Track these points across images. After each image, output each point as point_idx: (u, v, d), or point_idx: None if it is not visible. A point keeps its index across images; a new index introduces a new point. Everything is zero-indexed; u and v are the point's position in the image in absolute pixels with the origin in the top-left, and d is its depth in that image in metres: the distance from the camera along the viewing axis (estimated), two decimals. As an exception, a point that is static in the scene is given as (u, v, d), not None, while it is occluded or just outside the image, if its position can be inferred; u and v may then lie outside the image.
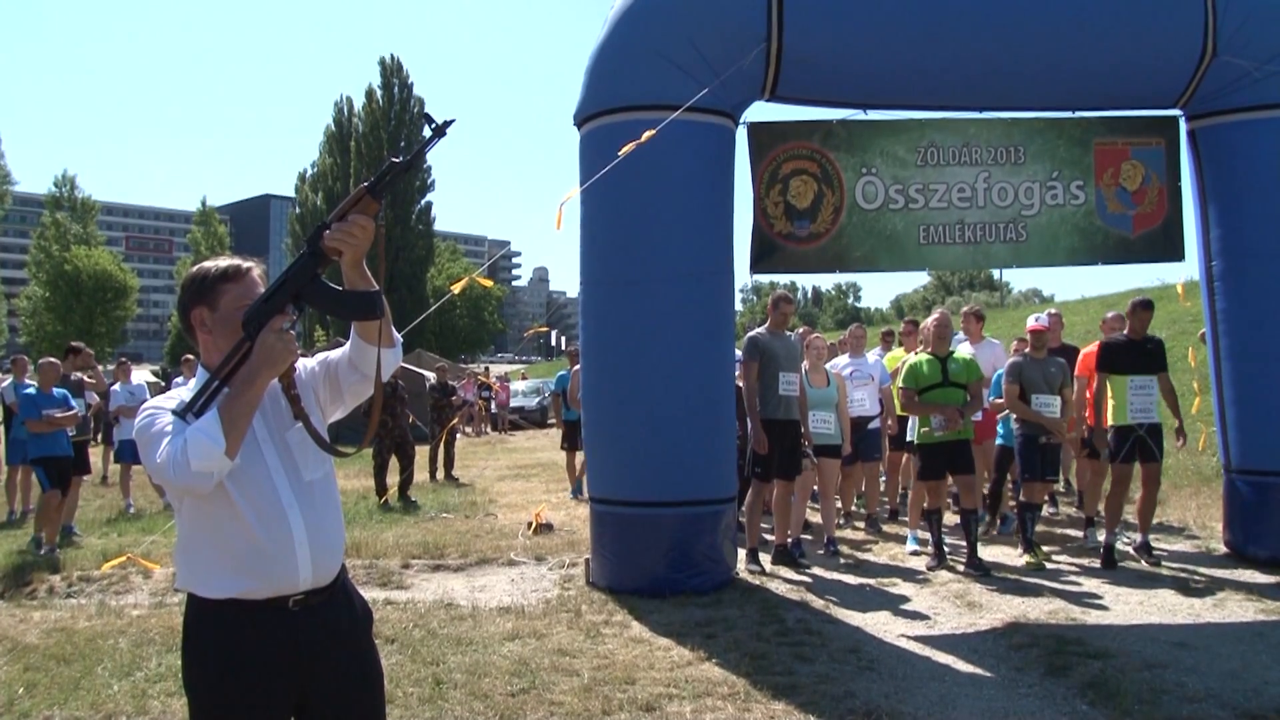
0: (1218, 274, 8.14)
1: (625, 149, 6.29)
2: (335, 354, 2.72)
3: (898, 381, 8.92)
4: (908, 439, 9.36)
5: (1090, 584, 7.47)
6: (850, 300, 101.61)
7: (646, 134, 6.35)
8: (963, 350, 9.05)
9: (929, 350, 8.38)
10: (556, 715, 4.89)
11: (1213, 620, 6.43)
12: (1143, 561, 8.00)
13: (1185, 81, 7.89)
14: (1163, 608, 6.74)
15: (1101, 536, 8.25)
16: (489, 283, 8.97)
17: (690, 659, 5.68)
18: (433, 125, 2.46)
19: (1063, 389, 8.45)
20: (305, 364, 2.73)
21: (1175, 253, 8.65)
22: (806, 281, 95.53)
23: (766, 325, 8.44)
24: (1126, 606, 6.79)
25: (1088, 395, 8.60)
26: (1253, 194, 7.90)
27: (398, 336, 2.69)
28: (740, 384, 8.53)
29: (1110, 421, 8.15)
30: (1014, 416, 8.71)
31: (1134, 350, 8.16)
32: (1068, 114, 8.41)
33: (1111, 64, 7.73)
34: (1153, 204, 8.55)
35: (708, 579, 7.22)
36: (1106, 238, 8.53)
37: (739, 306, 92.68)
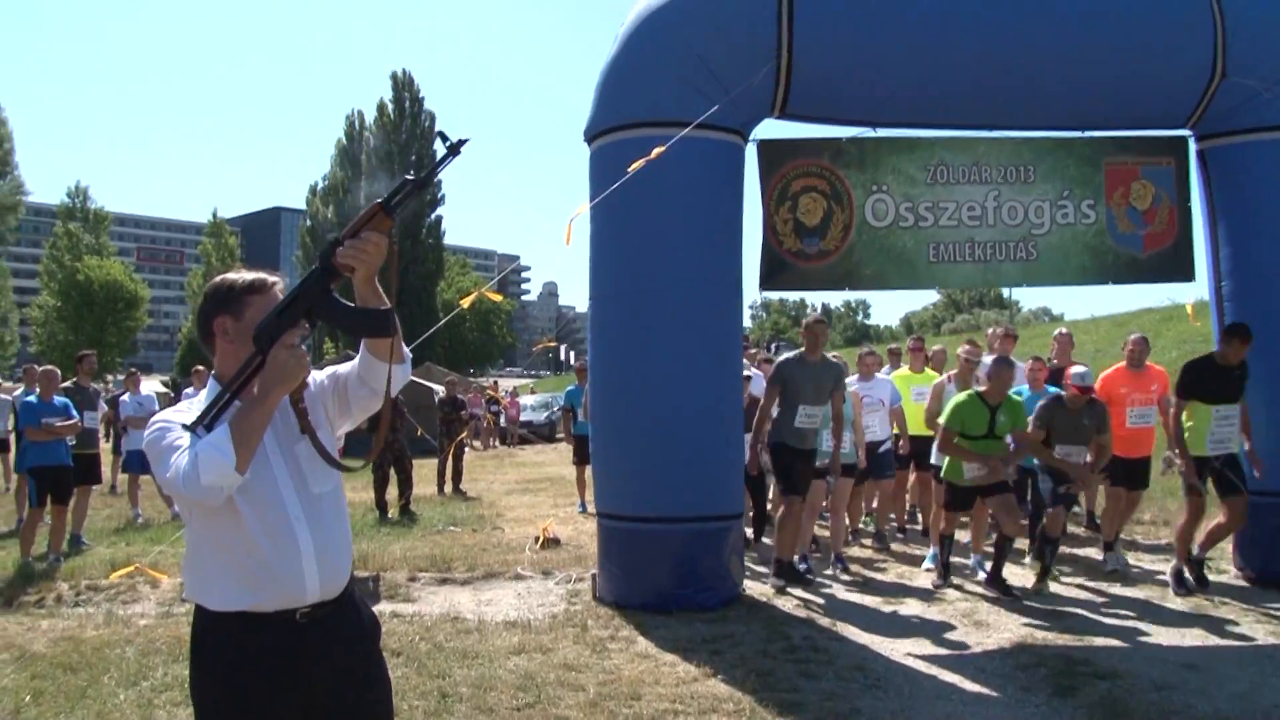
0: (1227, 294, 8.12)
1: (635, 165, 6.33)
2: (344, 368, 2.73)
3: (941, 419, 8.06)
4: (933, 462, 8.97)
5: (1099, 604, 7.43)
6: (860, 318, 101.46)
7: (656, 150, 6.38)
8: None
9: (982, 393, 7.76)
10: (562, 730, 4.89)
11: (1222, 642, 6.39)
12: (1189, 585, 7.67)
13: (1195, 102, 7.88)
14: (1172, 629, 6.70)
15: (1105, 559, 8.31)
16: (498, 296, 8.98)
17: (696, 675, 5.67)
18: (447, 144, 2.47)
19: (1099, 433, 7.84)
20: (315, 377, 2.73)
21: (1185, 272, 8.63)
22: (816, 299, 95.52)
23: (801, 350, 8.20)
24: (1135, 627, 6.75)
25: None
26: (1262, 214, 7.89)
27: (407, 352, 2.70)
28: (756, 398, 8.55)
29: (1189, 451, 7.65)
30: None
31: (1222, 377, 7.62)
32: (1078, 133, 8.41)
33: (1121, 84, 7.73)
34: (1163, 223, 8.54)
35: (714, 595, 7.21)
36: (1117, 257, 8.52)
37: (748, 323, 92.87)
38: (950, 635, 6.70)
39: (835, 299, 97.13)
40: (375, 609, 6.87)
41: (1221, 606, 7.23)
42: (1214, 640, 6.43)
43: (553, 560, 9.14)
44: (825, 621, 7.00)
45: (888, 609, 7.41)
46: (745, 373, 8.82)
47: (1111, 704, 5.17)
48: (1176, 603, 7.37)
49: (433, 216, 68.73)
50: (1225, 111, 7.92)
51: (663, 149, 6.42)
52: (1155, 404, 8.76)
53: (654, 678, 5.63)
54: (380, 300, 2.52)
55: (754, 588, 7.82)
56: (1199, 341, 17.87)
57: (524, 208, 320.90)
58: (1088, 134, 8.42)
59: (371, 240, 2.42)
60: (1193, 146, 8.44)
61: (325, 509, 2.66)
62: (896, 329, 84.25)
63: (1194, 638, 6.52)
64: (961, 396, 7.89)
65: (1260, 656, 5.91)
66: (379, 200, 2.46)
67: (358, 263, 2.43)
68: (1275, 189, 7.84)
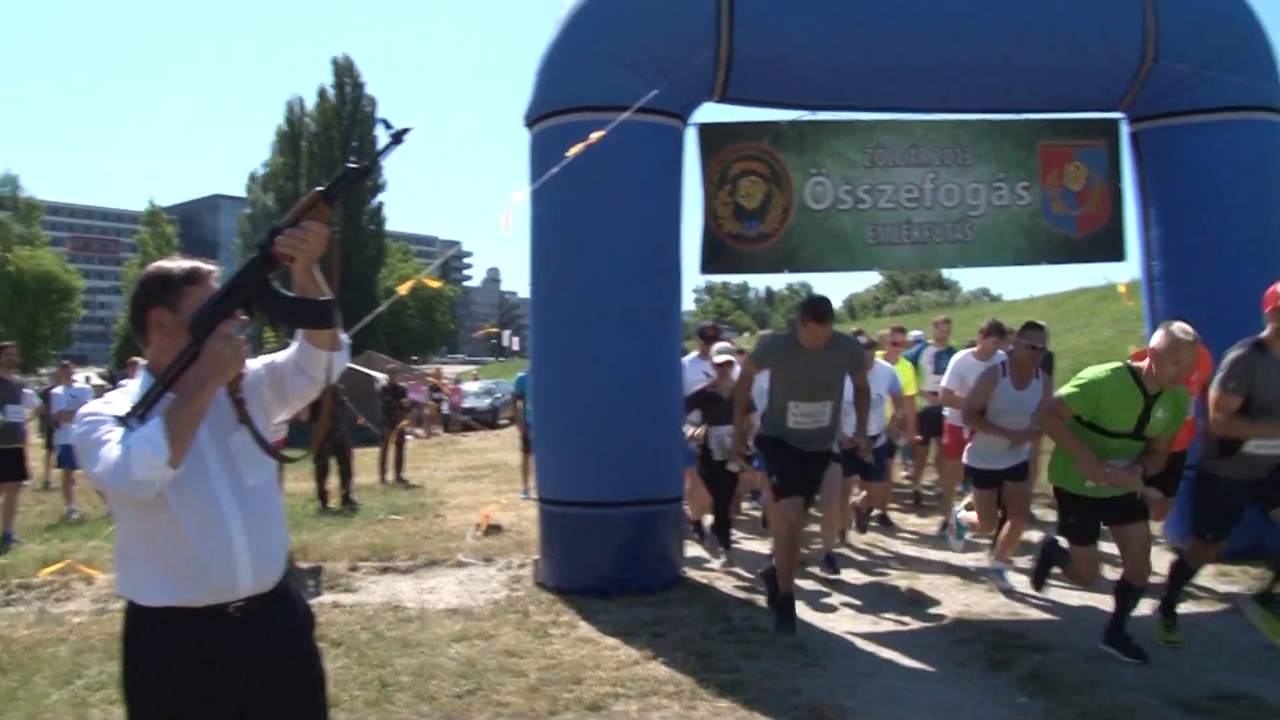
0: (1158, 274, 8.26)
1: (574, 150, 6.31)
2: (281, 357, 2.69)
3: (1064, 391, 5.61)
4: (966, 463, 7.48)
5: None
6: (801, 299, 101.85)
7: (594, 135, 6.37)
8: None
9: (1150, 377, 5.38)
10: (503, 716, 4.89)
11: (1150, 613, 6.54)
12: None
13: (1126, 85, 8.00)
14: (1104, 602, 6.80)
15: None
16: (437, 283, 8.93)
17: (637, 658, 5.69)
18: (390, 132, 2.44)
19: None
20: (251, 366, 2.69)
21: (1117, 253, 8.77)
22: (759, 281, 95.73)
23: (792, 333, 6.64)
24: (1068, 601, 6.88)
25: None
26: (1191, 196, 8.03)
27: (345, 340, 2.66)
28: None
29: None
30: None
31: None
32: (1012, 116, 8.49)
33: (1053, 68, 7.82)
34: (1096, 205, 8.66)
35: (655, 578, 7.24)
36: (1051, 238, 8.63)
37: (691, 306, 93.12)
38: (888, 613, 6.78)
39: (778, 281, 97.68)
40: (316, 600, 6.83)
41: (1153, 580, 7.34)
42: (1143, 611, 6.57)
43: (495, 547, 9.10)
44: (766, 602, 7.03)
45: (828, 589, 7.48)
46: (724, 359, 8.37)
47: (1044, 675, 5.29)
48: (1110, 578, 7.47)
49: (374, 203, 68.10)
50: (1157, 95, 8.04)
51: (601, 134, 6.41)
52: None
53: (595, 662, 5.64)
54: (320, 290, 2.49)
55: (696, 572, 7.87)
56: (1133, 320, 18.23)
57: (467, 193, 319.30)
58: (1022, 117, 8.50)
59: (311, 229, 2.40)
60: (1125, 129, 8.56)
61: (259, 501, 2.62)
62: (839, 311, 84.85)
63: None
64: (1104, 370, 5.49)
65: (1186, 626, 6.02)
66: (319, 188, 2.44)
67: (297, 252, 2.40)
68: (1204, 171, 7.97)
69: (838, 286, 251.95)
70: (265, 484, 2.66)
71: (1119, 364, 5.58)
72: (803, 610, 6.75)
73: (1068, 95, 8.23)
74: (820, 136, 8.29)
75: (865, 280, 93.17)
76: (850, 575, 7.85)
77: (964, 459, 7.48)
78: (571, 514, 7.33)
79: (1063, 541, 6.06)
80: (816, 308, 6.45)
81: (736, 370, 7.99)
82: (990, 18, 7.64)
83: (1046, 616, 6.55)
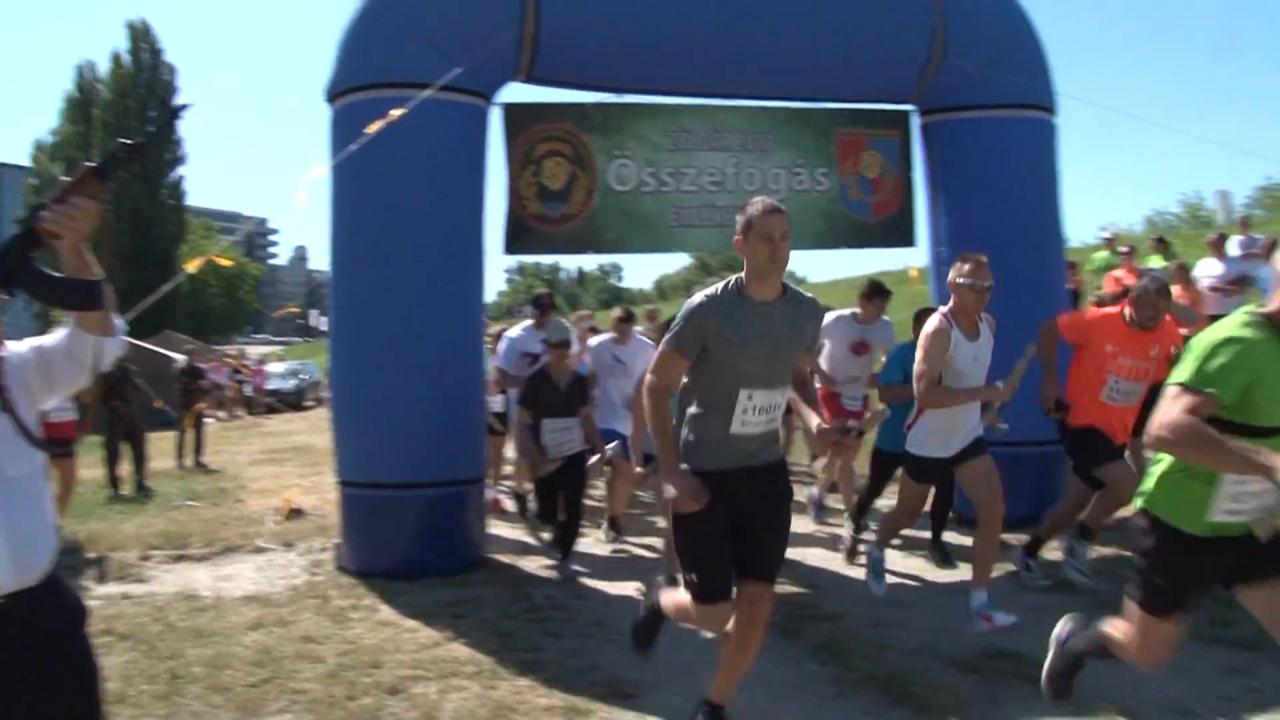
0: (945, 260, 8.64)
1: (373, 127, 6.20)
2: (51, 340, 2.56)
3: (1183, 376, 3.33)
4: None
5: (825, 552, 7.87)
6: (613, 280, 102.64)
7: (395, 112, 6.27)
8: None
9: None
10: (299, 704, 4.80)
11: (931, 579, 6.98)
12: None
13: (916, 79, 8.36)
14: (889, 575, 7.13)
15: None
16: (227, 260, 8.64)
17: (438, 640, 5.68)
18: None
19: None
20: (16, 350, 2.54)
21: (908, 239, 9.17)
22: (571, 262, 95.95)
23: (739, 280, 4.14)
24: (859, 573, 7.08)
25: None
26: (975, 187, 8.45)
27: (120, 324, 2.55)
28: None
29: None
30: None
31: None
32: (810, 105, 8.77)
33: (848, 60, 8.14)
34: (890, 192, 9.03)
35: (458, 559, 7.22)
36: (849, 223, 8.96)
37: (504, 286, 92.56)
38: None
39: (590, 262, 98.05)
40: (103, 590, 6.54)
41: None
42: (927, 578, 7.00)
43: (296, 531, 8.89)
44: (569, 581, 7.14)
45: (631, 564, 7.63)
46: (561, 338, 7.51)
47: (833, 642, 5.53)
48: (896, 550, 7.83)
49: (173, 176, 65.07)
50: (944, 90, 8.44)
51: (401, 111, 6.31)
52: None
53: (395, 645, 5.60)
54: (89, 270, 2.38)
55: (500, 553, 7.89)
56: (924, 303, 19.08)
57: (273, 168, 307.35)
58: (820, 105, 8.78)
59: (80, 206, 2.30)
60: (916, 121, 8.95)
61: (20, 493, 2.48)
62: (649, 292, 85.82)
63: (909, 580, 7.03)
64: (1240, 326, 3.31)
65: (959, 590, 6.31)
66: (91, 164, 2.34)
67: (64, 230, 2.30)
68: (986, 164, 8.41)
69: (648, 268, 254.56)
70: (29, 475, 2.51)
71: (1246, 312, 3.40)
72: (606, 587, 6.87)
73: (862, 87, 8.56)
74: (624, 119, 8.36)
75: (676, 261, 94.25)
76: (653, 551, 7.97)
77: (906, 446, 6.07)
78: (372, 496, 7.23)
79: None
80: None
81: (576, 350, 7.96)
82: (786, 7, 7.87)
83: (838, 587, 6.83)
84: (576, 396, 7.35)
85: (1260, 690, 4.69)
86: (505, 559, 7.71)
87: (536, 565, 7.58)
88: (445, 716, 4.65)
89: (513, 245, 8.11)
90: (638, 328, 9.38)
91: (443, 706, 4.76)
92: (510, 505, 9.66)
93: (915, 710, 4.60)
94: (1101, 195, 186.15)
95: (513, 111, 8.06)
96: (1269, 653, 4.52)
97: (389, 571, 7.00)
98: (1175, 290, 8.81)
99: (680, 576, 4.32)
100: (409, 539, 7.11)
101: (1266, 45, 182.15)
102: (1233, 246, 14.07)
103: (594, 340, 9.08)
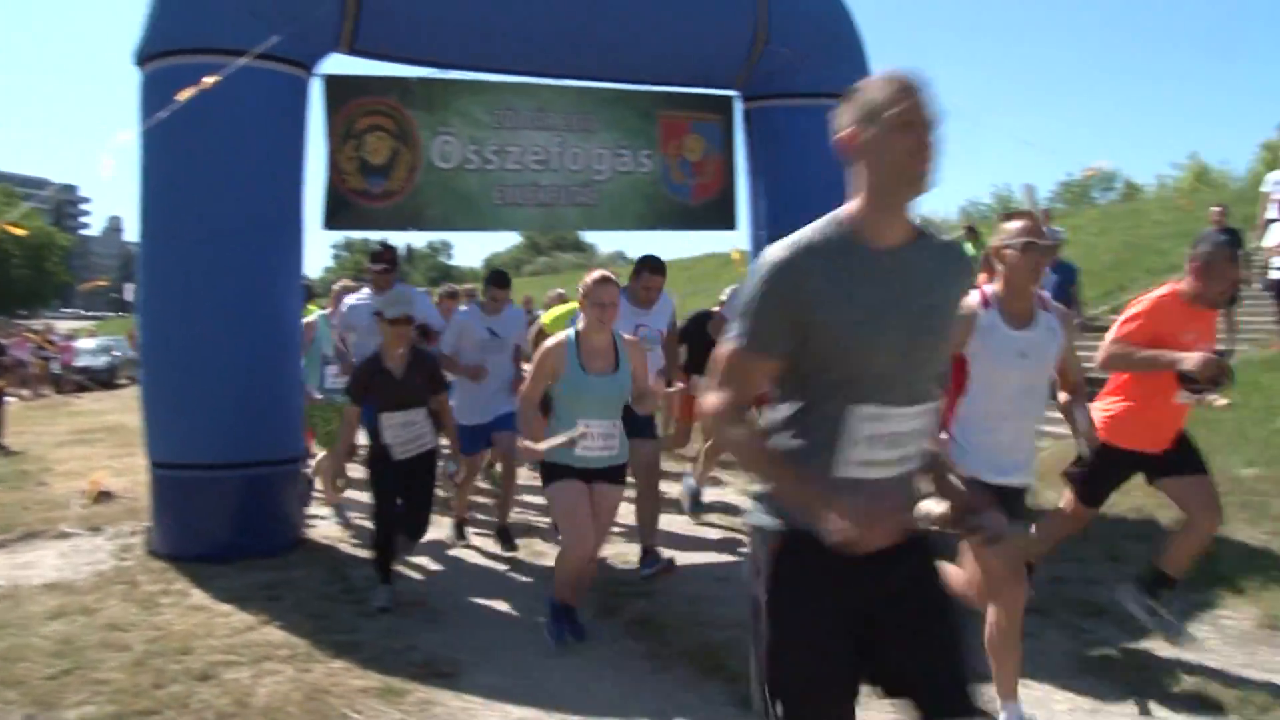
0: (764, 243, 8.88)
1: (184, 94, 6.01)
2: None
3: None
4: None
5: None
6: (442, 258, 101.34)
7: (208, 79, 6.09)
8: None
9: None
10: (102, 694, 4.64)
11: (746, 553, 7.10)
12: None
13: (739, 65, 8.53)
14: (707, 552, 7.32)
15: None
16: (21, 230, 8.21)
17: (252, 623, 5.57)
18: None
19: None
20: None
21: (729, 222, 9.35)
22: (400, 239, 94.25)
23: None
24: (681, 551, 7.19)
25: None
26: (793, 173, 8.63)
27: None
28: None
29: None
30: None
31: None
32: (634, 87, 8.83)
33: (670, 44, 8.24)
34: (711, 175, 9.19)
35: (274, 541, 7.08)
36: (671, 205, 9.08)
37: (330, 263, 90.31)
38: (510, 568, 6.99)
39: (419, 239, 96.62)
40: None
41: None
42: (743, 553, 7.13)
43: (104, 515, 8.52)
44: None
45: (451, 546, 7.59)
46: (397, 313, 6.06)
47: (649, 618, 5.65)
48: (714, 530, 8.03)
49: (-29, 139, 61.32)
50: (766, 76, 8.62)
51: (215, 78, 6.14)
52: None
53: (207, 630, 5.47)
54: None
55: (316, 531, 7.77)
56: (751, 284, 19.49)
57: (85, 133, 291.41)
58: (643, 88, 8.86)
59: None
60: (739, 106, 9.12)
61: None
62: (479, 269, 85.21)
63: (725, 558, 7.17)
64: None
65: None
66: None
67: None
68: (804, 151, 8.57)
69: (478, 246, 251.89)
70: None
71: None
72: (425, 566, 6.85)
73: (686, 70, 8.69)
74: (449, 95, 8.27)
75: (505, 240, 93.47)
76: (474, 530, 7.96)
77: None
78: (184, 477, 7.01)
79: None
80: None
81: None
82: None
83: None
84: (421, 382, 6.08)
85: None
86: (324, 539, 7.59)
87: (354, 546, 7.48)
88: (258, 702, 4.57)
89: (332, 220, 7.92)
90: (461, 305, 9.18)
91: (255, 691, 4.67)
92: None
93: (727, 681, 4.72)
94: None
95: (334, 83, 7.87)
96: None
97: (202, 555, 6.79)
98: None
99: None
100: (223, 521, 6.92)
101: (1071, 47, 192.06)
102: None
103: (460, 310, 8.32)
